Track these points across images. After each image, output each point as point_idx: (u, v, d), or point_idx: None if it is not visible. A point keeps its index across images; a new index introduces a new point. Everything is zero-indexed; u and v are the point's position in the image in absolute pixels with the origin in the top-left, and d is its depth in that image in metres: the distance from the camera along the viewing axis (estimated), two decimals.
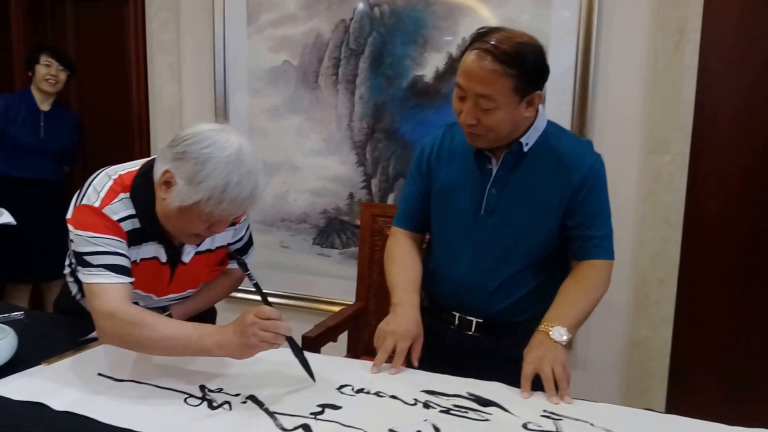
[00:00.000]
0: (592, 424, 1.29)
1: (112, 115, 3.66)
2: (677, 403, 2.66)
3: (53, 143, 3.40)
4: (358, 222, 2.87)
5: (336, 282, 3.11)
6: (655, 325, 2.63)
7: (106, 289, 1.42)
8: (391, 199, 2.98)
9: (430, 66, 2.84)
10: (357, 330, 2.43)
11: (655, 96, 2.53)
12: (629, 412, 1.38)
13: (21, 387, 1.37)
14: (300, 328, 2.10)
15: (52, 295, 3.24)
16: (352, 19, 2.94)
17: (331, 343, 2.19)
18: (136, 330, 1.38)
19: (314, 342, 2.07)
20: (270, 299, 1.45)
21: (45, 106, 3.39)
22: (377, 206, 2.67)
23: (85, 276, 1.44)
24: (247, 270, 1.55)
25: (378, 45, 2.92)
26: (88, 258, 1.44)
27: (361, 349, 2.41)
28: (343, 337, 2.37)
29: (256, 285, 1.49)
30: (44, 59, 3.31)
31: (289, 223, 3.20)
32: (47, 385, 1.38)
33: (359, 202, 3.01)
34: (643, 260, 2.61)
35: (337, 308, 2.71)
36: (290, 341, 1.41)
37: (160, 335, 1.38)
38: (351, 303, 2.49)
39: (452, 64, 2.78)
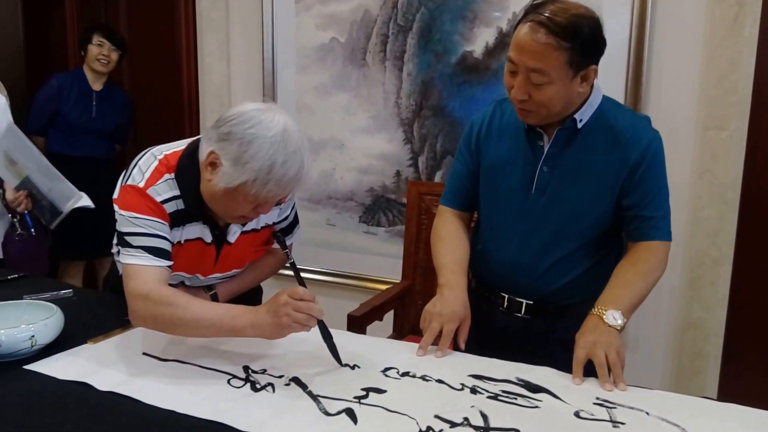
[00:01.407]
0: (647, 413, 1.24)
1: (163, 94, 3.68)
2: (730, 386, 2.57)
3: (105, 122, 3.45)
4: (404, 200, 2.84)
5: (382, 260, 3.09)
6: (709, 306, 2.55)
7: (142, 270, 1.42)
8: (438, 177, 2.94)
9: (480, 41, 2.77)
10: (403, 309, 2.41)
11: (713, 70, 2.43)
12: (685, 400, 1.33)
13: (66, 366, 1.39)
14: (346, 306, 2.10)
15: (105, 271, 3.31)
16: None
17: (376, 322, 2.19)
18: (169, 310, 1.38)
19: (360, 321, 2.07)
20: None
21: (97, 85, 3.43)
22: (424, 184, 2.64)
23: (124, 256, 1.45)
24: (285, 248, 1.55)
25: (426, 21, 2.86)
26: (129, 239, 1.45)
27: (407, 328, 2.40)
28: (389, 317, 2.36)
29: (292, 264, 1.48)
30: (96, 39, 3.34)
31: (336, 200, 3.19)
32: (92, 365, 1.40)
33: (406, 180, 2.97)
34: (698, 239, 2.53)
35: (383, 286, 2.70)
36: (320, 324, 1.39)
37: (193, 315, 1.37)
38: (397, 282, 2.48)
39: (502, 39, 2.72)
